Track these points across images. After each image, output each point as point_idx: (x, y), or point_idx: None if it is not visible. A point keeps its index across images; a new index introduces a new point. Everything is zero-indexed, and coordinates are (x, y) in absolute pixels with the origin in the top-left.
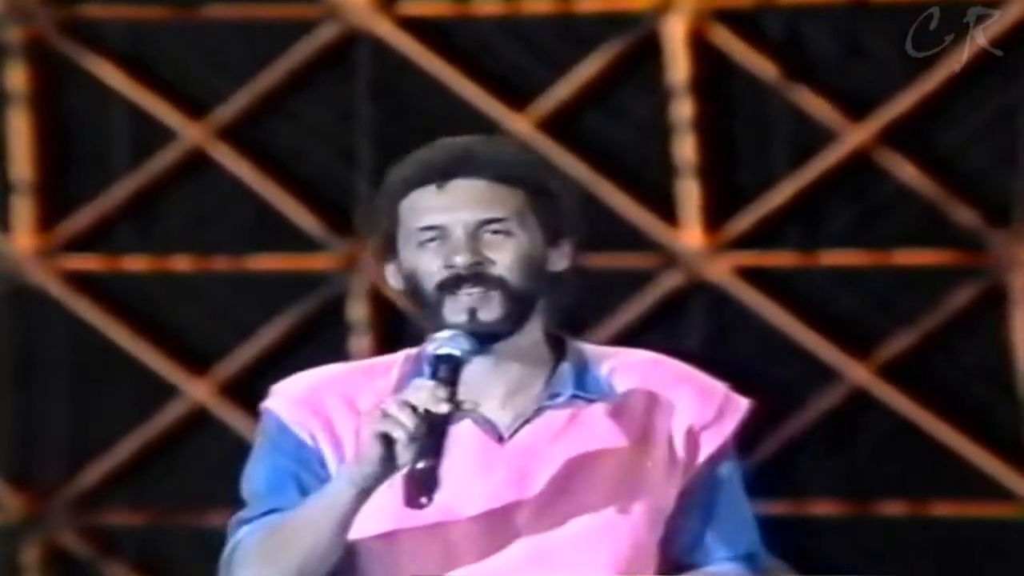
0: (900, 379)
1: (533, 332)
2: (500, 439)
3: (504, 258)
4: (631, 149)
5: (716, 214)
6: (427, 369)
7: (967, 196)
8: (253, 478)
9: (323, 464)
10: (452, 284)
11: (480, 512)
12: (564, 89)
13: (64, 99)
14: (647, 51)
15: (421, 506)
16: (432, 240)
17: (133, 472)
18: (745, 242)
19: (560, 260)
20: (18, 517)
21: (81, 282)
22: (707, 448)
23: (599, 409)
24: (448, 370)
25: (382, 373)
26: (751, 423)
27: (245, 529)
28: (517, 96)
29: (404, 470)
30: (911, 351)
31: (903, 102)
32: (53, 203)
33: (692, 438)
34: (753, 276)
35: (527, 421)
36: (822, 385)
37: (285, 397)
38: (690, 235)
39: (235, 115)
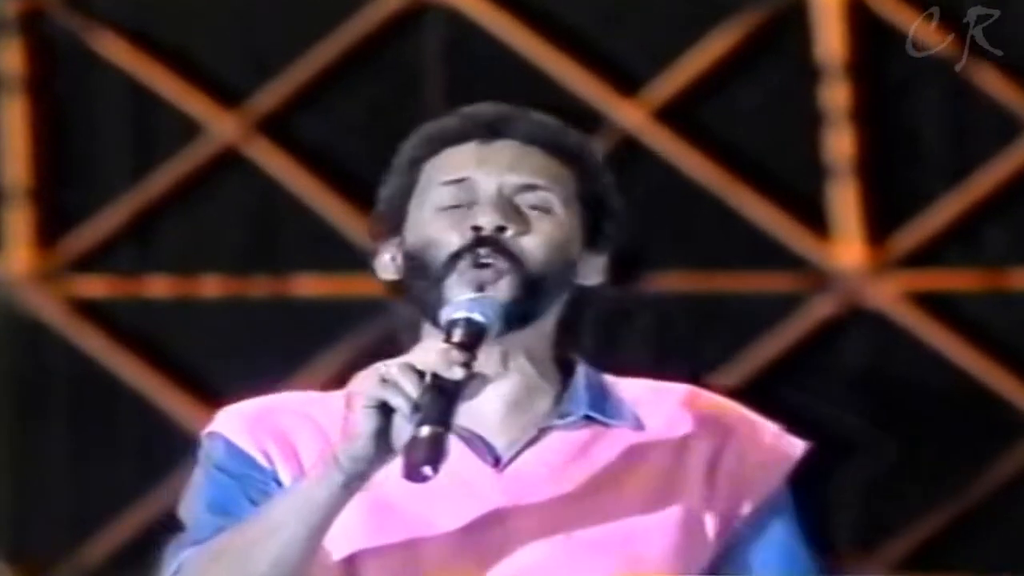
0: None
1: (543, 334)
2: (497, 463)
3: (535, 236)
4: (767, 144)
5: (878, 225)
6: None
7: None
8: (194, 502)
9: (280, 486)
10: (470, 249)
11: (466, 547)
12: (683, 71)
13: (65, 86)
14: (787, 23)
15: (424, 478)
16: (455, 207)
17: (148, 541)
18: (913, 259)
19: (593, 272)
20: None
21: (89, 309)
22: (754, 495)
23: (618, 435)
24: (467, 333)
25: None
26: (925, 488)
27: (191, 550)
28: (624, 82)
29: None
30: None
31: None
32: (53, 213)
33: (736, 483)
34: (924, 301)
35: (530, 443)
36: (1013, 439)
37: (233, 418)
38: (846, 251)
39: (275, 105)
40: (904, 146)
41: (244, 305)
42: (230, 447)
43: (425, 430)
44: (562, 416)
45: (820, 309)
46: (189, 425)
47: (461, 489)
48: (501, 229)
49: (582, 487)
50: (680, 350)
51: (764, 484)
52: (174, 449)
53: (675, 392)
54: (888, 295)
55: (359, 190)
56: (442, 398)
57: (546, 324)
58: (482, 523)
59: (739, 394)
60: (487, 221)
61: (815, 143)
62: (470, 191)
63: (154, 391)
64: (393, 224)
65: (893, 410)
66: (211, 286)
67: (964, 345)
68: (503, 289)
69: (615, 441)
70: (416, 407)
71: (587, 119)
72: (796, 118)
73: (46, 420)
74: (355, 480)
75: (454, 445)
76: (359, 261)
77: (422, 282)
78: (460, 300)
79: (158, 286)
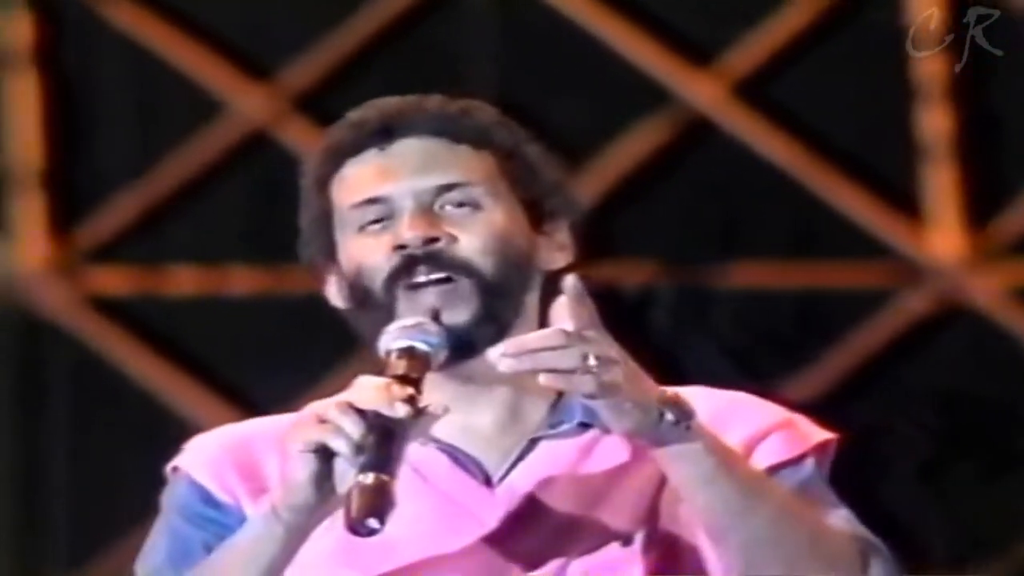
0: None
1: None
2: (488, 482)
3: (472, 237)
4: (853, 122)
5: (977, 212)
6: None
7: None
8: (152, 552)
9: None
10: (404, 271)
11: (466, 572)
12: (761, 42)
13: (74, 57)
14: None
15: (369, 532)
16: (376, 222)
17: None
18: (1017, 250)
19: (555, 254)
20: None
21: (108, 308)
22: (764, 460)
23: (616, 440)
24: (408, 363)
25: None
26: None
27: None
28: (696, 54)
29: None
30: None
31: None
32: (64, 200)
33: (745, 451)
34: None
35: (520, 457)
36: None
37: (199, 451)
38: (942, 240)
39: (309, 80)
40: (1007, 123)
41: (277, 300)
42: (192, 486)
43: (369, 477)
44: (553, 426)
45: (912, 305)
46: None
47: (451, 510)
48: (431, 241)
49: (579, 500)
50: (755, 352)
51: (776, 452)
52: None
53: (684, 391)
54: (989, 290)
55: None
56: (386, 440)
57: (524, 328)
58: (476, 547)
59: (819, 401)
60: (411, 237)
61: (907, 121)
62: (386, 206)
63: (183, 400)
64: (324, 250)
65: (994, 421)
66: (243, 281)
67: None
68: (466, 304)
69: (615, 446)
70: (359, 448)
71: (654, 96)
72: (886, 93)
73: (58, 431)
74: (298, 530)
75: (441, 463)
76: None
77: (370, 310)
78: (396, 328)
79: (185, 282)
